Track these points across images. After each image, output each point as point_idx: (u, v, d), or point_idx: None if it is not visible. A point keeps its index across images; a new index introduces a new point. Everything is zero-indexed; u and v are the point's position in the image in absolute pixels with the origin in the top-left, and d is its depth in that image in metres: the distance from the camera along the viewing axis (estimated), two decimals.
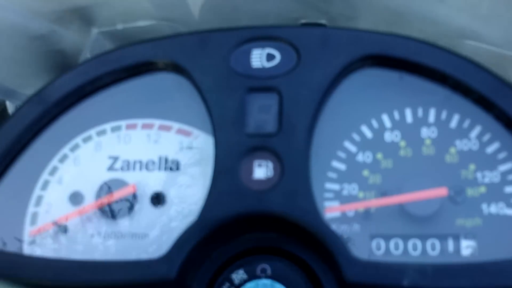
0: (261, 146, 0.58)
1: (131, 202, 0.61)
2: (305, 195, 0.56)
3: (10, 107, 0.89)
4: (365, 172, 0.59)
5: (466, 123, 0.59)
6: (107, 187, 0.62)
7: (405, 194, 0.57)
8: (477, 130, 0.59)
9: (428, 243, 0.56)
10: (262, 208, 0.56)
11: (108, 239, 0.60)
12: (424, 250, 0.56)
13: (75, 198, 0.62)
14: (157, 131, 0.63)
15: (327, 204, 0.58)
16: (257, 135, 0.59)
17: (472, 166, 0.58)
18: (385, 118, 0.60)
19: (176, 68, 0.63)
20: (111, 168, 0.62)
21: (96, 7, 0.74)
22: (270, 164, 0.58)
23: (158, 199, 0.61)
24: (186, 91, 0.62)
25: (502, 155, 0.58)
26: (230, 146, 0.58)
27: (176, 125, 0.63)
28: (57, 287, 0.57)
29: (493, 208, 0.56)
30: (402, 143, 0.59)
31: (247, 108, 0.60)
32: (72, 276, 0.56)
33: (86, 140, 0.64)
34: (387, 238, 0.57)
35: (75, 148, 0.64)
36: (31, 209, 0.62)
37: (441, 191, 0.56)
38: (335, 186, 0.59)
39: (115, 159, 0.63)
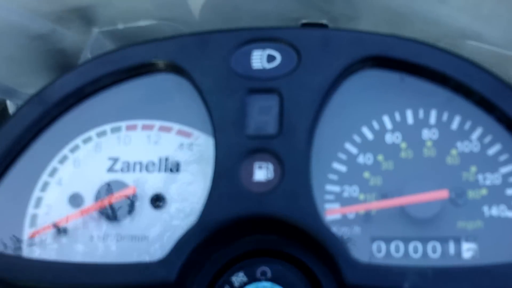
0: (261, 148, 0.58)
1: (131, 204, 0.61)
2: (305, 198, 0.56)
3: (11, 106, 0.89)
4: (366, 174, 0.59)
5: (468, 125, 0.59)
6: (107, 189, 0.61)
7: (406, 196, 0.56)
8: (478, 131, 0.58)
9: (429, 246, 0.56)
10: (262, 211, 0.56)
11: (108, 241, 0.59)
12: (425, 253, 0.56)
13: (75, 199, 0.62)
14: (157, 132, 0.63)
15: (328, 206, 0.58)
16: (258, 137, 0.58)
17: (473, 168, 0.58)
18: (386, 119, 0.60)
19: (177, 69, 0.62)
20: (111, 169, 0.62)
21: (97, 7, 0.74)
22: (271, 166, 0.58)
23: (158, 200, 0.61)
24: (186, 92, 0.62)
25: (503, 157, 0.57)
26: (230, 147, 0.58)
27: (176, 126, 0.63)
28: None
29: (495, 211, 0.56)
30: (403, 145, 0.59)
31: (247, 109, 0.60)
32: (71, 278, 0.56)
33: (86, 141, 0.64)
34: (387, 241, 0.56)
35: (75, 149, 0.63)
36: (30, 210, 0.62)
37: (442, 194, 0.56)
38: (336, 188, 0.58)
39: (115, 160, 0.63)
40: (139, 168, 0.62)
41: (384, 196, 0.58)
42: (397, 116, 0.60)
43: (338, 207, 0.58)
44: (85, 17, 0.76)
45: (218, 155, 0.58)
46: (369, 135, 0.60)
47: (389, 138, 0.59)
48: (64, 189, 0.62)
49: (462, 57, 0.59)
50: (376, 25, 0.73)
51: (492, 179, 0.57)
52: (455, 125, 0.59)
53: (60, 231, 0.60)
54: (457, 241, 0.56)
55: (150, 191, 0.61)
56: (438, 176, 0.57)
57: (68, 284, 0.56)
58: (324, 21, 0.74)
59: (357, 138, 0.60)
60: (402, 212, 0.57)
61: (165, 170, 0.62)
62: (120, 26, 0.77)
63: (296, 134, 0.58)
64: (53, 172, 0.63)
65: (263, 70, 0.61)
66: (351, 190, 0.58)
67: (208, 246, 0.57)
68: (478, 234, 0.56)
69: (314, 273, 0.57)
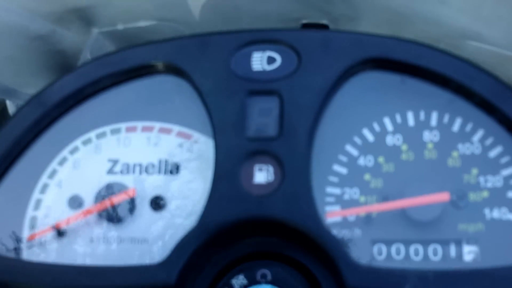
0: (261, 150, 0.58)
1: (130, 206, 0.60)
2: (306, 200, 0.56)
3: (10, 106, 0.88)
4: (367, 176, 0.58)
5: (469, 127, 0.58)
6: (107, 191, 0.61)
7: (406, 199, 0.56)
8: (479, 133, 0.58)
9: (430, 248, 0.56)
10: (263, 213, 0.56)
11: (107, 244, 0.59)
12: (426, 255, 0.55)
13: (74, 201, 0.61)
14: (157, 134, 0.63)
15: (328, 208, 0.57)
16: (258, 139, 0.58)
17: (474, 171, 0.57)
18: (387, 121, 0.60)
19: (177, 71, 0.62)
20: (110, 171, 0.62)
21: (97, 7, 0.74)
22: (271, 168, 0.57)
23: (157, 203, 0.60)
24: (186, 94, 0.62)
25: (505, 159, 0.57)
26: (230, 150, 0.58)
27: (176, 128, 0.63)
28: None
29: (496, 213, 0.56)
30: (404, 147, 0.59)
31: (247, 111, 0.59)
32: (70, 281, 0.56)
33: (85, 142, 0.63)
34: (388, 243, 0.56)
35: (74, 151, 0.63)
36: (30, 212, 0.61)
37: (443, 196, 0.56)
38: (336, 190, 0.58)
39: (115, 162, 0.62)
40: (139, 169, 0.62)
41: (385, 198, 0.57)
42: (398, 118, 0.60)
43: (339, 210, 0.57)
44: (85, 18, 0.76)
45: (218, 157, 0.58)
46: (370, 137, 0.59)
47: (390, 140, 0.59)
48: (64, 191, 0.62)
49: (463, 59, 0.59)
50: (377, 25, 0.73)
51: (493, 181, 0.57)
52: (456, 127, 0.59)
53: (60, 233, 0.60)
54: (458, 244, 0.55)
55: (150, 193, 0.61)
56: (439, 178, 0.57)
57: (67, 286, 0.56)
58: (324, 22, 0.74)
59: (357, 140, 0.59)
60: (403, 214, 0.56)
61: (165, 172, 0.61)
62: (120, 26, 0.77)
63: (297, 136, 0.58)
64: (52, 174, 0.63)
65: (263, 72, 0.60)
66: (352, 192, 0.58)
67: (208, 249, 0.56)
68: (480, 236, 0.55)
69: (315, 275, 0.56)
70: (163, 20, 0.76)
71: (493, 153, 0.57)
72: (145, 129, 0.63)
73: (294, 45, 0.61)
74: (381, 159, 0.59)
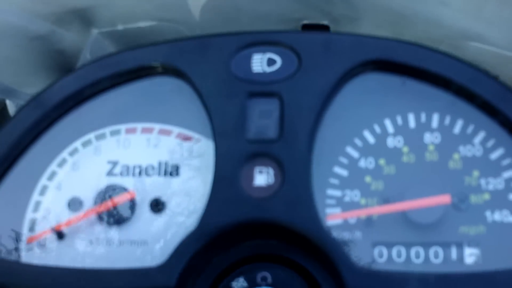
0: (262, 152, 0.58)
1: (130, 208, 0.60)
2: (306, 203, 0.55)
3: (10, 105, 0.88)
4: (368, 178, 0.58)
5: (470, 129, 0.58)
6: (106, 193, 0.61)
7: (407, 201, 0.56)
8: (481, 135, 0.58)
9: (431, 251, 0.55)
10: (263, 216, 0.55)
11: (107, 246, 0.59)
12: (427, 258, 0.55)
13: (74, 204, 0.61)
14: (157, 136, 0.63)
15: (329, 211, 0.57)
16: (258, 141, 0.58)
17: (476, 173, 0.57)
18: (388, 123, 0.59)
19: (177, 73, 0.62)
20: (110, 173, 0.62)
21: (96, 8, 0.74)
22: (271, 171, 0.57)
23: (157, 205, 0.60)
24: (186, 96, 0.62)
25: (506, 162, 0.57)
26: (230, 152, 0.58)
27: (176, 130, 0.62)
28: None
29: (497, 216, 0.56)
30: (405, 149, 0.59)
31: (247, 113, 0.59)
32: (70, 284, 0.56)
33: (85, 144, 0.63)
34: (389, 246, 0.56)
35: (74, 152, 0.63)
36: (29, 215, 0.61)
37: (444, 199, 0.55)
38: (337, 193, 0.58)
39: (114, 164, 0.62)
40: (138, 171, 0.61)
41: (385, 200, 0.57)
42: (399, 120, 0.59)
43: (339, 212, 0.57)
44: (85, 18, 0.76)
45: (218, 159, 0.58)
46: (371, 139, 0.59)
47: (391, 142, 0.59)
48: (63, 193, 0.62)
49: (464, 61, 0.58)
50: (378, 26, 0.73)
51: (494, 183, 0.57)
52: (457, 129, 0.58)
53: (59, 235, 0.60)
54: (460, 246, 0.55)
55: (149, 195, 0.61)
56: (440, 181, 0.57)
57: None
58: (325, 22, 0.74)
59: (358, 142, 0.59)
60: (404, 217, 0.56)
61: (165, 174, 0.61)
62: (120, 27, 0.77)
63: (297, 138, 0.57)
64: (52, 176, 0.62)
65: (264, 74, 0.60)
66: (353, 195, 0.58)
67: (208, 252, 0.56)
68: (481, 239, 0.55)
69: (315, 278, 0.56)
70: (163, 21, 0.76)
71: (494, 155, 0.57)
72: (145, 130, 0.63)
73: (294, 46, 0.60)
74: (382, 161, 0.58)
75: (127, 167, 0.62)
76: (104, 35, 0.78)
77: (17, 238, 0.60)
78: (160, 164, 0.62)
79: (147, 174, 0.61)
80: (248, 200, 0.56)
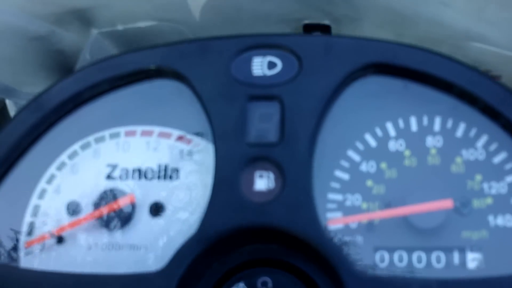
0: (262, 156, 0.57)
1: (129, 213, 0.60)
2: (307, 207, 0.55)
3: (10, 105, 0.88)
4: (369, 182, 0.58)
5: (473, 132, 0.58)
6: (105, 197, 0.60)
7: (409, 206, 0.55)
8: (483, 139, 0.57)
9: (433, 256, 0.55)
10: (263, 221, 0.55)
11: (106, 251, 0.59)
12: (429, 263, 0.55)
13: (73, 207, 0.61)
14: (156, 139, 0.62)
15: (330, 215, 0.57)
16: (258, 145, 0.57)
17: (478, 177, 0.57)
18: (390, 126, 0.59)
19: (177, 76, 0.61)
20: (109, 176, 0.61)
21: (96, 8, 0.73)
22: (272, 175, 0.57)
23: (157, 209, 0.60)
24: (186, 98, 0.61)
25: (509, 166, 0.57)
26: (230, 156, 0.57)
27: (176, 133, 0.62)
28: None
29: (500, 220, 0.55)
30: (407, 153, 0.58)
31: (248, 116, 0.59)
32: None
33: (84, 147, 0.63)
34: (391, 251, 0.56)
35: (73, 155, 0.63)
36: (27, 218, 0.61)
37: (447, 203, 0.55)
38: (338, 197, 0.57)
39: (114, 167, 0.62)
40: (138, 175, 0.61)
41: (387, 205, 0.57)
42: (401, 123, 0.59)
43: (341, 216, 0.57)
44: (84, 19, 0.75)
45: (218, 163, 0.57)
46: (372, 143, 0.59)
47: (393, 145, 0.58)
48: (62, 196, 0.61)
49: (466, 65, 0.58)
50: (379, 26, 0.73)
51: (497, 188, 0.56)
52: (460, 132, 0.58)
53: (58, 240, 0.59)
54: (462, 251, 0.55)
55: (149, 199, 0.60)
56: (442, 185, 0.57)
57: None
58: (326, 22, 0.73)
59: (360, 146, 0.59)
60: (406, 221, 0.56)
61: (165, 178, 0.61)
62: (120, 27, 0.77)
63: (298, 142, 0.57)
64: (51, 179, 0.62)
65: (264, 77, 0.59)
66: (354, 199, 0.57)
67: (208, 256, 0.56)
68: (483, 244, 0.55)
69: (316, 283, 0.56)
70: (163, 21, 0.75)
71: (497, 159, 0.57)
72: (144, 133, 0.62)
73: (295, 50, 0.60)
74: (383, 165, 0.58)
75: (127, 170, 0.61)
76: (104, 35, 0.78)
77: (16, 243, 0.60)
78: (159, 167, 0.61)
79: (146, 177, 0.61)
80: (248, 205, 0.55)
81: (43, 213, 0.61)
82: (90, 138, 0.63)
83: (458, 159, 0.57)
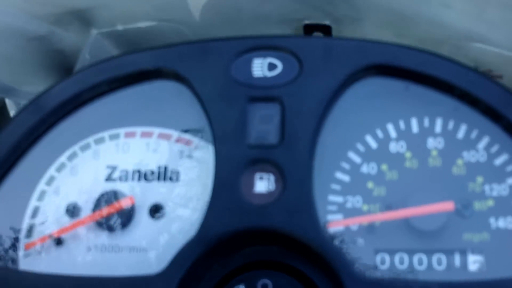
0: (262, 158, 0.57)
1: (129, 215, 0.59)
2: (307, 210, 0.55)
3: (10, 104, 0.88)
4: (370, 184, 0.57)
5: (474, 134, 0.57)
6: (105, 199, 0.60)
7: (410, 208, 0.55)
8: (485, 141, 0.57)
9: (434, 258, 0.55)
10: (263, 224, 0.55)
11: (105, 253, 0.58)
12: (430, 265, 0.55)
13: (72, 209, 0.60)
14: (156, 140, 0.62)
15: (330, 217, 0.57)
16: (258, 146, 0.57)
17: (479, 179, 0.56)
18: (390, 128, 0.59)
19: (177, 77, 0.61)
20: (109, 178, 0.61)
21: (96, 8, 0.73)
22: (272, 177, 0.57)
23: (157, 211, 0.59)
24: (186, 100, 0.61)
25: (511, 167, 0.56)
26: (230, 158, 0.57)
27: (175, 134, 0.62)
28: None
29: (502, 223, 0.55)
30: (408, 154, 0.58)
31: (248, 118, 0.58)
32: None
33: (84, 148, 0.62)
34: (392, 253, 0.55)
35: (72, 156, 0.62)
36: (27, 220, 0.60)
37: (448, 206, 0.55)
38: (339, 199, 0.57)
39: (113, 168, 0.61)
40: (137, 177, 0.61)
41: (388, 207, 0.57)
42: (402, 125, 0.59)
43: (341, 219, 0.57)
44: (84, 19, 0.75)
45: (218, 165, 0.57)
46: (373, 144, 0.58)
47: (394, 147, 0.58)
48: (61, 198, 0.61)
49: (468, 66, 0.58)
50: (380, 26, 0.72)
51: (499, 190, 0.56)
52: (461, 134, 0.58)
53: (57, 242, 0.59)
54: (463, 254, 0.55)
55: (148, 201, 0.60)
56: (443, 187, 0.56)
57: None
58: (327, 22, 0.73)
59: (360, 147, 0.58)
60: (407, 223, 0.56)
61: (164, 179, 0.60)
62: (119, 27, 0.77)
63: (298, 144, 0.57)
64: (50, 181, 0.62)
65: (264, 78, 0.59)
66: (355, 201, 0.57)
67: (208, 259, 0.55)
68: (485, 246, 0.55)
69: (317, 286, 0.55)
70: (163, 21, 0.75)
71: (498, 161, 0.57)
72: (144, 134, 0.62)
73: (295, 51, 0.59)
74: (384, 167, 0.58)
75: (126, 172, 0.61)
76: (104, 35, 0.78)
77: (15, 245, 0.60)
78: (159, 169, 0.61)
79: (146, 179, 0.61)
80: (248, 207, 0.55)
81: (42, 215, 0.61)
82: (90, 140, 0.63)
83: (459, 161, 0.57)
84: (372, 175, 0.58)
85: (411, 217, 0.55)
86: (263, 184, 0.56)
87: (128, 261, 0.58)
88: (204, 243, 0.55)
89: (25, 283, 0.56)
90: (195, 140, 0.61)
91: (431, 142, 0.58)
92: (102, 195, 0.60)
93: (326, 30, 0.74)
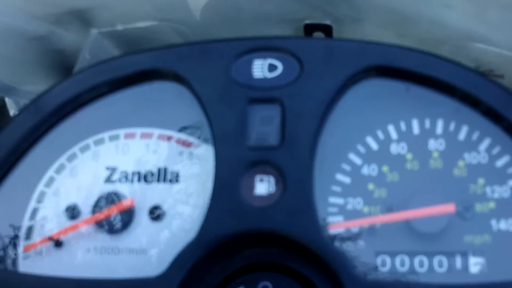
0: (262, 160, 0.57)
1: (128, 216, 0.59)
2: (308, 212, 0.55)
3: (10, 103, 0.88)
4: (371, 186, 0.57)
5: (475, 136, 0.57)
6: (104, 200, 0.60)
7: (411, 210, 0.55)
8: (486, 142, 0.57)
9: (435, 260, 0.55)
10: (263, 226, 0.55)
11: (105, 255, 0.58)
12: (431, 267, 0.54)
13: (72, 211, 0.60)
14: (156, 141, 0.62)
15: (331, 219, 0.56)
16: (259, 148, 0.57)
17: (481, 181, 0.56)
18: (391, 129, 0.59)
19: (177, 78, 0.61)
20: (108, 179, 0.61)
21: (96, 8, 0.73)
22: (272, 179, 0.56)
23: (156, 212, 0.59)
24: (186, 101, 0.61)
25: None
26: (230, 159, 0.57)
27: (175, 135, 0.61)
28: None
29: (503, 225, 0.55)
30: (409, 156, 0.58)
31: (248, 119, 0.58)
32: None
33: (83, 149, 0.62)
34: (392, 255, 0.55)
35: (72, 158, 0.62)
36: (26, 222, 0.60)
37: (449, 208, 0.54)
38: (339, 200, 0.57)
39: (113, 170, 0.61)
40: (137, 178, 0.61)
41: (389, 209, 0.56)
42: (403, 126, 0.58)
43: (342, 221, 0.56)
44: (84, 19, 0.75)
45: (218, 167, 0.57)
46: (374, 145, 0.58)
47: (395, 148, 0.58)
48: (61, 200, 0.61)
49: (468, 67, 0.57)
50: (381, 26, 0.72)
51: (500, 191, 0.56)
52: (462, 135, 0.57)
53: (56, 244, 0.59)
54: (464, 256, 0.54)
55: (148, 203, 0.60)
56: (444, 189, 0.56)
57: None
58: (327, 22, 0.73)
59: (361, 149, 0.58)
60: (408, 225, 0.55)
61: (164, 181, 0.60)
62: (119, 27, 0.76)
63: (299, 145, 0.56)
64: (49, 182, 0.61)
65: (264, 80, 0.59)
66: (355, 203, 0.57)
67: (208, 261, 0.55)
68: (486, 248, 0.54)
69: None
70: (163, 21, 0.75)
71: (500, 162, 0.56)
72: (144, 135, 0.62)
73: (295, 52, 0.59)
74: (385, 168, 0.58)
75: (126, 173, 0.61)
76: (104, 35, 0.78)
77: (15, 246, 0.59)
78: (159, 170, 0.61)
79: (146, 180, 0.60)
80: (248, 210, 0.55)
81: (42, 217, 0.61)
82: (90, 141, 0.63)
83: (461, 163, 0.57)
84: (373, 177, 0.57)
85: (412, 219, 0.55)
86: (263, 186, 0.56)
87: (127, 263, 0.58)
88: (204, 245, 0.55)
89: (24, 285, 0.56)
90: (195, 141, 0.61)
91: (432, 144, 0.58)
92: (101, 197, 0.60)
93: (326, 30, 0.73)
